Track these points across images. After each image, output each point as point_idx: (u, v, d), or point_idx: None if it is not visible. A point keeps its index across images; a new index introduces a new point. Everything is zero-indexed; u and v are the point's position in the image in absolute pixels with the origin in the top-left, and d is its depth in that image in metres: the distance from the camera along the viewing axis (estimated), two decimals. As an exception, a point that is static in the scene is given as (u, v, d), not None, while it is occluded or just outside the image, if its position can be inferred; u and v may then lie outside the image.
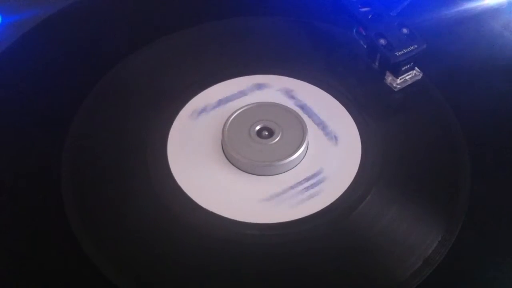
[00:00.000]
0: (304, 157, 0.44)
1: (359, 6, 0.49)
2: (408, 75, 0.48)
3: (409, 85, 0.48)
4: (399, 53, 0.46)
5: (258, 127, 0.44)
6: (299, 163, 0.44)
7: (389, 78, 0.48)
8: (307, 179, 0.43)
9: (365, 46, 0.49)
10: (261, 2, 0.58)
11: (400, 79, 0.48)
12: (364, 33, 0.48)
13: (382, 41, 0.47)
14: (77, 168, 0.43)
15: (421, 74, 0.48)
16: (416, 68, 0.48)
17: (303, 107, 0.47)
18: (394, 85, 0.48)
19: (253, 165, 0.43)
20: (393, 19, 0.48)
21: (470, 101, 0.48)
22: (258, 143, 0.44)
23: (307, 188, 0.42)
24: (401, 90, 0.48)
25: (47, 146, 0.45)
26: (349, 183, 0.42)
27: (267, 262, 0.39)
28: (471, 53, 0.52)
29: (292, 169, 0.43)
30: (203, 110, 0.47)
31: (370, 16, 0.48)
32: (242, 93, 0.48)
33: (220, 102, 0.48)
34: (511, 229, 0.40)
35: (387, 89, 0.48)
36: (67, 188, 0.42)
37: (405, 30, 0.47)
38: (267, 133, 0.44)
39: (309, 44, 0.53)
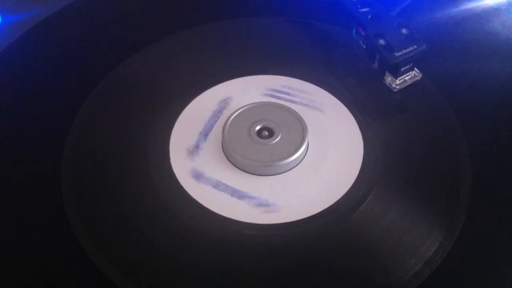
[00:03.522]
0: (304, 157, 0.44)
1: (359, 6, 0.49)
2: (407, 75, 0.48)
3: (409, 85, 0.48)
4: (398, 54, 0.46)
5: (258, 127, 0.44)
6: (299, 163, 0.44)
7: (388, 79, 0.48)
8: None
9: (365, 47, 0.49)
10: (261, 2, 0.58)
11: (400, 79, 0.48)
12: (363, 34, 0.48)
13: (382, 42, 0.47)
14: (77, 168, 0.43)
15: (420, 75, 0.48)
16: (415, 68, 0.48)
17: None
18: (393, 85, 0.48)
19: (253, 165, 0.43)
20: (392, 20, 0.48)
21: (470, 101, 0.48)
22: (258, 143, 0.44)
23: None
24: (401, 90, 0.48)
25: (47, 146, 0.45)
26: (351, 184, 0.42)
27: (268, 262, 0.39)
28: (471, 53, 0.52)
29: (292, 169, 0.43)
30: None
31: (369, 17, 0.48)
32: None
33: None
34: (511, 229, 0.40)
35: (387, 89, 0.48)
36: (67, 188, 0.42)
37: (404, 31, 0.47)
38: (267, 133, 0.44)
39: (309, 45, 0.53)
